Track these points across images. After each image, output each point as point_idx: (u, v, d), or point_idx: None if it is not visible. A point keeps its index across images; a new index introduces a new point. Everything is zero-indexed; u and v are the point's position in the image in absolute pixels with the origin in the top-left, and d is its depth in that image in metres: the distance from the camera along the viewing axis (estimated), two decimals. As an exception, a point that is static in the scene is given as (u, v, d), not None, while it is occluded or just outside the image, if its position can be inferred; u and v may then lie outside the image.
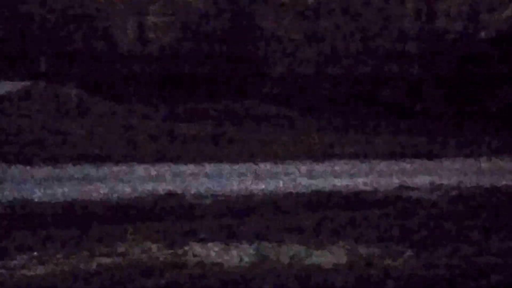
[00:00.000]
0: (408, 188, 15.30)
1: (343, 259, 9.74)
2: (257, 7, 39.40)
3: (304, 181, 15.98)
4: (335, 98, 31.58)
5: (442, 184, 15.68)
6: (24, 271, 8.98)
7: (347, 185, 15.40)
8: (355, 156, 19.73)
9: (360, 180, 16.11)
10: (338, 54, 33.46)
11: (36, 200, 13.08)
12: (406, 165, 18.68)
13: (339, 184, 15.55)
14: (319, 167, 18.05)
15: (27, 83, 33.39)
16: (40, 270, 9.02)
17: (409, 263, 9.56)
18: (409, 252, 10.00)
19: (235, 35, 38.49)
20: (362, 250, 10.17)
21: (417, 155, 20.07)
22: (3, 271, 8.94)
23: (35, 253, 9.64)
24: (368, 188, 15.15)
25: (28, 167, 16.66)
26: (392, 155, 20.05)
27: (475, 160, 19.59)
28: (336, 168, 18.08)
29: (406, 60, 32.22)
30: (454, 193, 14.78)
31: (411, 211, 12.84)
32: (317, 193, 14.47)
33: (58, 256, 9.59)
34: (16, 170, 16.31)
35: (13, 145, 19.04)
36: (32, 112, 25.29)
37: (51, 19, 39.72)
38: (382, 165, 18.57)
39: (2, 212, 12.09)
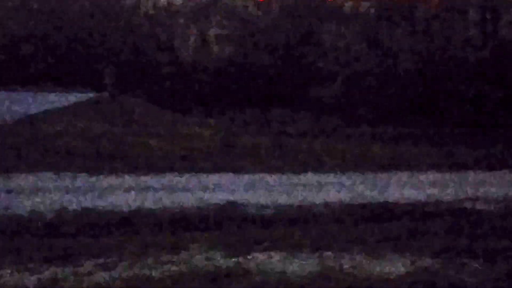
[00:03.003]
0: (472, 199, 15.16)
1: (406, 270, 9.69)
2: (318, 18, 39.42)
3: (366, 192, 15.95)
4: (396, 109, 31.38)
5: (507, 196, 15.48)
6: (91, 278, 9.13)
7: (410, 196, 15.32)
8: (418, 167, 19.61)
9: (423, 191, 16.03)
10: (400, 65, 33.27)
11: (101, 209, 13.27)
12: (471, 176, 18.49)
13: (401, 195, 15.49)
14: (381, 178, 17.99)
15: (93, 94, 34.01)
16: (106, 276, 9.17)
17: (473, 275, 9.47)
18: (473, 264, 9.91)
19: (296, 46, 38.55)
20: (425, 261, 10.10)
21: (482, 166, 19.86)
22: (70, 277, 9.12)
23: (101, 260, 9.80)
24: (431, 199, 15.05)
25: (93, 177, 16.92)
26: (456, 166, 19.88)
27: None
28: (399, 179, 18.00)
29: (470, 70, 31.89)
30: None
31: (476, 222, 12.71)
32: (380, 204, 14.44)
33: (123, 263, 9.73)
34: (81, 180, 16.58)
35: (78, 156, 19.38)
36: (96, 123, 25.68)
37: (115, 32, 40.36)
38: (446, 176, 18.43)
39: (69, 220, 12.32)
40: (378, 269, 9.73)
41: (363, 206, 14.24)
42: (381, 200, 14.82)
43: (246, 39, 39.16)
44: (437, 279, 9.26)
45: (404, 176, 18.47)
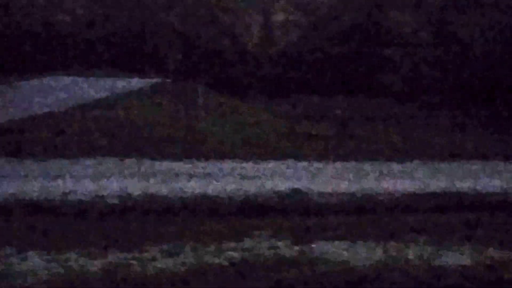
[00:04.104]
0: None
1: (471, 261, 9.53)
2: (384, 6, 39.02)
3: (431, 181, 15.74)
4: (462, 96, 30.95)
5: None
6: (155, 264, 9.17)
7: (476, 186, 15.08)
8: (484, 156, 19.31)
9: (490, 181, 15.77)
10: (467, 52, 32.75)
11: (165, 195, 13.33)
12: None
13: (467, 185, 15.26)
14: (447, 167, 17.77)
15: (156, 80, 34.31)
16: (169, 262, 9.20)
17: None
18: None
19: (361, 34, 38.24)
20: (491, 253, 9.94)
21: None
22: (134, 262, 9.17)
23: (165, 246, 9.83)
24: (498, 189, 14.80)
25: (156, 163, 17.02)
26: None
27: None
28: (464, 169, 17.76)
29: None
30: None
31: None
32: (445, 193, 14.24)
33: (186, 249, 9.75)
34: (145, 164, 16.69)
35: (142, 140, 19.54)
36: (160, 108, 25.86)
37: (179, 18, 40.56)
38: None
39: (132, 205, 12.40)
40: (443, 259, 9.59)
41: (428, 195, 14.06)
42: (447, 190, 14.62)
43: (310, 26, 38.98)
44: (503, 270, 9.10)
45: (469, 165, 18.21)
